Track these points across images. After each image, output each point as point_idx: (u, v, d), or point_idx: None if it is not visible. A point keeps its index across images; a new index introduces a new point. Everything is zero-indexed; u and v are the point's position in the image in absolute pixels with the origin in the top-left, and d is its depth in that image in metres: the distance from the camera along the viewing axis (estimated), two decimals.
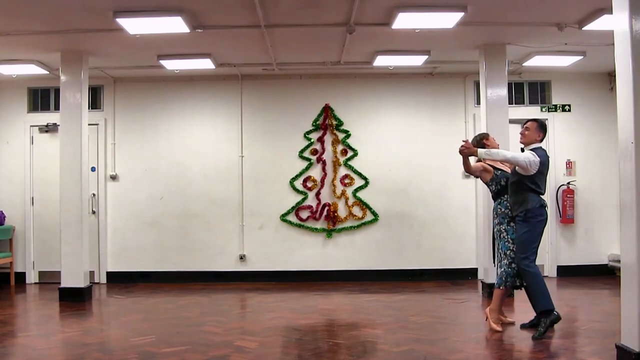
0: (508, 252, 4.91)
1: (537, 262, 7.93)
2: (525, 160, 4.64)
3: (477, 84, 7.06)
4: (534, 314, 4.91)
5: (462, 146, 4.77)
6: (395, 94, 7.88)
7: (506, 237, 4.93)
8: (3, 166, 7.84)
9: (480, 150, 4.76)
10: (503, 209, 4.97)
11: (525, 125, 4.92)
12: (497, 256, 5.07)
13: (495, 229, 5.07)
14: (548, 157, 4.86)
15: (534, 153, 4.71)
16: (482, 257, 7.12)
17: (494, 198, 5.10)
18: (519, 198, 4.79)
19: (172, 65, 6.97)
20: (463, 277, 7.67)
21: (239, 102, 7.87)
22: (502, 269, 4.94)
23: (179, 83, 7.85)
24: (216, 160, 7.83)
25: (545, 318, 4.69)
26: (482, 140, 5.22)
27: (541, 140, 4.86)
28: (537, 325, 4.77)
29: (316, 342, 4.65)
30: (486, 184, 5.15)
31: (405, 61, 6.97)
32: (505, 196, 4.97)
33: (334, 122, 7.79)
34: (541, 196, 4.79)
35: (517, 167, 4.76)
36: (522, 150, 4.98)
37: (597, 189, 7.77)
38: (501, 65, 6.41)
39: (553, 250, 7.76)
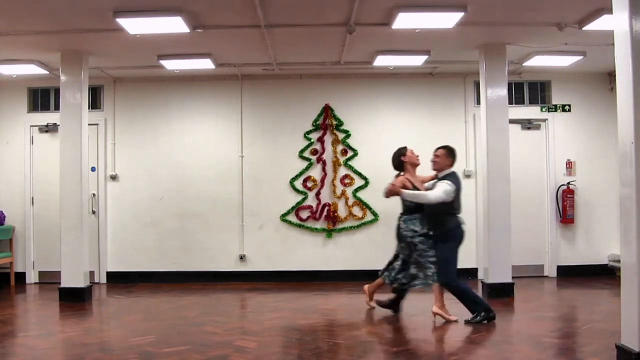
0: (420, 260, 5.28)
1: (537, 262, 8.03)
2: (444, 195, 5.12)
3: (477, 84, 7.06)
4: (529, 315, 4.94)
5: (388, 189, 5.26)
6: (396, 94, 7.88)
7: (421, 247, 5.30)
8: (3, 166, 7.84)
9: (404, 192, 5.19)
10: (413, 227, 5.34)
11: (435, 153, 5.41)
12: (398, 263, 5.48)
13: (408, 241, 5.36)
14: (459, 179, 5.31)
15: (449, 182, 5.17)
16: (482, 257, 7.12)
17: (406, 213, 5.44)
18: (438, 220, 5.27)
19: (172, 65, 6.97)
20: (463, 277, 7.61)
21: (239, 102, 7.87)
22: (416, 272, 5.29)
23: (179, 83, 7.85)
24: (216, 160, 7.83)
25: (484, 312, 5.15)
26: (400, 157, 5.54)
27: (452, 165, 5.34)
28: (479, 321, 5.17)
29: (316, 342, 4.65)
30: (402, 199, 5.41)
31: (405, 61, 6.97)
32: (418, 215, 5.36)
33: (334, 122, 7.79)
34: (459, 217, 5.30)
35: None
36: (436, 176, 5.43)
37: (597, 189, 7.77)
38: (501, 65, 6.41)
39: (553, 250, 7.76)
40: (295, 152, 7.79)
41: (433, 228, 5.31)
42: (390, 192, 5.26)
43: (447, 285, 5.22)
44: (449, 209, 5.22)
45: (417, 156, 5.57)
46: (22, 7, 4.98)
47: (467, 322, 5.15)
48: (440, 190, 5.15)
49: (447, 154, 5.37)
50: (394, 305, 5.67)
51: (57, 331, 5.21)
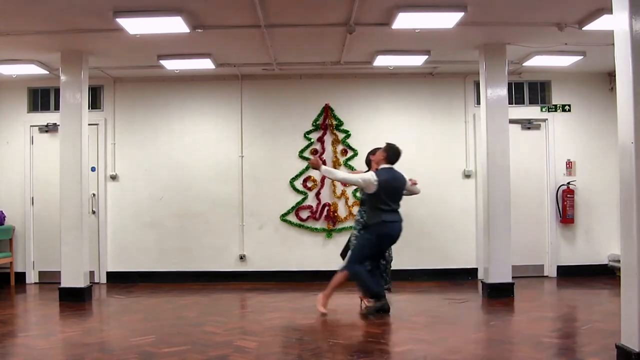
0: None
1: (537, 262, 8.04)
2: (360, 179, 5.48)
3: (477, 84, 7.06)
4: (529, 315, 4.94)
5: (310, 161, 5.71)
6: (396, 94, 7.88)
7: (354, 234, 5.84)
8: (3, 166, 7.84)
9: (322, 167, 5.57)
10: (359, 218, 5.86)
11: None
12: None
13: (355, 231, 5.90)
14: (390, 175, 5.49)
15: (373, 173, 5.48)
16: (482, 257, 7.13)
17: (360, 204, 5.97)
18: (367, 213, 5.63)
19: (172, 65, 6.97)
20: (463, 277, 7.67)
21: (239, 102, 7.87)
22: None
23: (179, 83, 7.85)
24: (216, 160, 7.84)
25: (377, 302, 5.50)
26: (369, 155, 5.89)
27: (389, 162, 5.56)
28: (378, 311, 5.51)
29: (316, 342, 4.65)
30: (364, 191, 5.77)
31: (405, 61, 6.97)
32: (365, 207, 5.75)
33: (334, 122, 7.79)
34: (387, 213, 5.45)
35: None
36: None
37: (597, 189, 7.77)
38: (501, 65, 6.41)
39: (553, 250, 7.77)
40: (295, 152, 7.79)
41: (367, 217, 5.65)
42: (312, 165, 5.68)
43: (345, 270, 5.57)
44: (375, 203, 5.47)
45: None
46: (22, 7, 4.98)
47: (362, 315, 5.57)
48: (358, 175, 5.60)
49: (382, 150, 5.65)
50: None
51: (57, 331, 5.20)
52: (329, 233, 7.76)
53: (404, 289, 7.01)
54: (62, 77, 6.45)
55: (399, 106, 7.89)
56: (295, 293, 6.90)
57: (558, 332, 4.91)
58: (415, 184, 5.78)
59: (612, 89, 7.42)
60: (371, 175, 5.44)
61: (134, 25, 5.36)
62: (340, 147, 7.79)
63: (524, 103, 7.88)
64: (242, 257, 7.77)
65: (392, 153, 5.60)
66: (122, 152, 7.84)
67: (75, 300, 6.29)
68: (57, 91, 7.02)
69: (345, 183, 5.77)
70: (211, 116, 7.91)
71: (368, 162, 5.94)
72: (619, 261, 4.22)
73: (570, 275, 7.63)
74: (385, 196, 5.44)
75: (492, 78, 6.40)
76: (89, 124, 6.72)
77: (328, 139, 7.81)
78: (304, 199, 7.77)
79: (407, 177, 5.69)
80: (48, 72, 7.09)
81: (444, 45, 6.45)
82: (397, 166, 7.76)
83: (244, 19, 5.44)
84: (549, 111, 7.87)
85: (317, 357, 4.15)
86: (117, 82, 7.86)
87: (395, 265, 7.64)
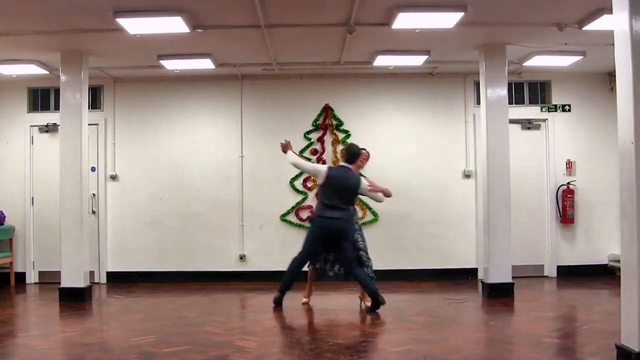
0: None
1: (537, 262, 8.03)
2: (311, 168, 5.99)
3: (477, 84, 7.06)
4: (529, 315, 4.92)
5: (282, 143, 5.98)
6: (395, 94, 7.88)
7: None
8: (3, 166, 7.84)
9: (288, 152, 5.91)
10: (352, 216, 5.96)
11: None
12: None
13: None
14: (337, 173, 5.70)
15: (327, 167, 5.82)
16: (482, 257, 7.12)
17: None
18: (318, 204, 5.91)
19: (172, 65, 6.97)
20: (463, 277, 7.67)
21: (239, 102, 7.87)
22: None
23: (179, 83, 7.85)
24: (216, 160, 7.83)
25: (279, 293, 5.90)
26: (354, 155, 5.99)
27: (345, 160, 5.78)
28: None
29: (316, 342, 4.65)
30: None
31: (405, 61, 6.97)
32: None
33: (334, 122, 7.79)
34: (327, 208, 5.65)
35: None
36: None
37: (597, 189, 7.77)
38: (501, 65, 6.41)
39: (553, 250, 7.77)
40: (295, 152, 7.78)
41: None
42: (282, 149, 5.99)
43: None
44: (322, 196, 5.77)
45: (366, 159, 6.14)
46: (22, 7, 4.98)
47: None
48: (312, 165, 6.22)
49: (342, 149, 6.06)
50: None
51: (57, 331, 5.20)
52: None
53: (404, 289, 7.01)
54: (62, 77, 6.44)
55: (399, 106, 7.89)
56: (295, 293, 6.88)
57: (558, 332, 4.91)
58: (375, 190, 5.78)
59: (612, 89, 7.42)
60: (323, 168, 5.80)
61: (134, 25, 5.36)
62: (340, 147, 7.77)
63: (524, 103, 7.88)
64: (242, 257, 7.77)
65: (347, 152, 5.82)
66: (122, 152, 7.84)
67: (75, 300, 6.29)
68: (57, 91, 7.02)
69: (298, 168, 6.13)
70: (211, 116, 7.91)
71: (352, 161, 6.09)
72: (619, 261, 4.22)
73: (570, 275, 7.63)
74: (332, 191, 5.66)
75: (492, 78, 6.40)
76: (89, 124, 6.72)
77: (328, 139, 7.81)
78: (304, 199, 7.77)
79: (366, 181, 5.79)
80: (48, 72, 7.09)
81: (444, 45, 6.45)
82: (395, 164, 7.84)
83: (244, 19, 5.43)
84: (549, 111, 7.87)
85: (317, 357, 4.15)
86: (117, 82, 7.86)
87: (396, 265, 7.71)
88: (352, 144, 5.98)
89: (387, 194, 5.86)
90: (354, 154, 5.79)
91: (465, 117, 7.83)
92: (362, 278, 5.65)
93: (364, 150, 5.99)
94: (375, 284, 5.70)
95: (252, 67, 7.46)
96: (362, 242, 5.92)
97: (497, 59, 6.40)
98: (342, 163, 5.84)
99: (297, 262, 5.89)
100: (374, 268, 7.84)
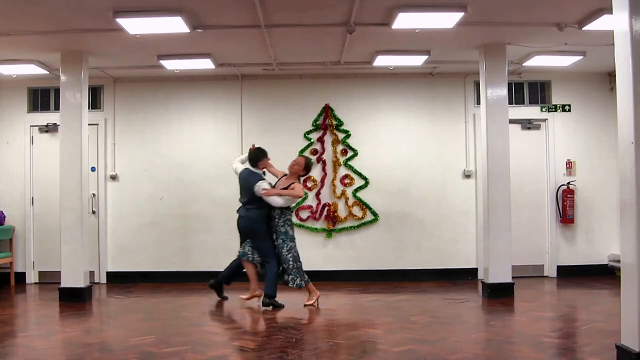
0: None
1: (537, 262, 8.04)
2: (232, 165, 6.40)
3: (477, 84, 7.06)
4: (529, 315, 4.89)
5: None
6: (395, 94, 7.88)
7: None
8: (3, 166, 7.84)
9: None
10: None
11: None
12: None
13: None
14: (244, 176, 6.11)
15: (244, 168, 6.21)
16: (482, 257, 7.13)
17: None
18: None
19: (172, 65, 6.98)
20: (463, 277, 7.67)
21: (239, 102, 7.87)
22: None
23: (179, 83, 7.85)
24: (216, 160, 7.82)
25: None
26: (306, 165, 6.31)
27: (250, 164, 6.17)
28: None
29: (316, 342, 4.65)
30: None
31: (405, 61, 6.97)
32: None
33: (334, 122, 7.79)
34: (240, 205, 6.17)
35: None
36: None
37: (597, 189, 7.77)
38: (501, 65, 6.41)
39: (553, 250, 7.77)
40: (295, 152, 7.76)
41: None
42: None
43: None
44: None
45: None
46: (22, 7, 4.98)
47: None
48: (237, 164, 6.42)
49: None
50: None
51: (57, 331, 5.20)
52: (329, 233, 7.76)
53: (404, 289, 7.01)
54: (62, 77, 6.45)
55: (399, 106, 7.88)
56: (295, 293, 6.88)
57: (558, 332, 4.91)
58: (268, 194, 5.88)
59: (612, 89, 7.43)
60: (238, 167, 6.28)
61: (134, 25, 5.36)
62: (340, 147, 7.79)
63: (524, 103, 7.88)
64: None
65: (249, 155, 6.27)
66: (122, 152, 7.84)
67: (75, 300, 6.29)
68: (57, 91, 7.02)
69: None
70: (211, 116, 7.91)
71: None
72: (619, 261, 4.22)
73: (570, 275, 7.63)
74: (240, 190, 6.17)
75: (492, 78, 6.40)
76: (89, 124, 6.73)
77: (328, 139, 7.81)
78: (303, 199, 7.76)
79: (263, 184, 5.96)
80: (48, 72, 7.09)
81: (444, 45, 6.45)
82: (395, 164, 7.83)
83: (244, 19, 5.44)
84: (549, 111, 7.87)
85: (317, 357, 4.15)
86: (117, 82, 7.86)
87: (396, 265, 7.71)
88: (255, 148, 6.30)
89: (292, 195, 5.98)
90: (251, 158, 6.18)
91: (465, 117, 7.83)
92: (268, 275, 6.02)
93: (290, 158, 6.31)
94: (281, 289, 6.02)
95: (252, 67, 7.46)
96: (284, 248, 5.98)
97: (497, 59, 6.40)
98: (252, 168, 6.19)
99: (236, 261, 6.40)
100: (375, 267, 7.87)
